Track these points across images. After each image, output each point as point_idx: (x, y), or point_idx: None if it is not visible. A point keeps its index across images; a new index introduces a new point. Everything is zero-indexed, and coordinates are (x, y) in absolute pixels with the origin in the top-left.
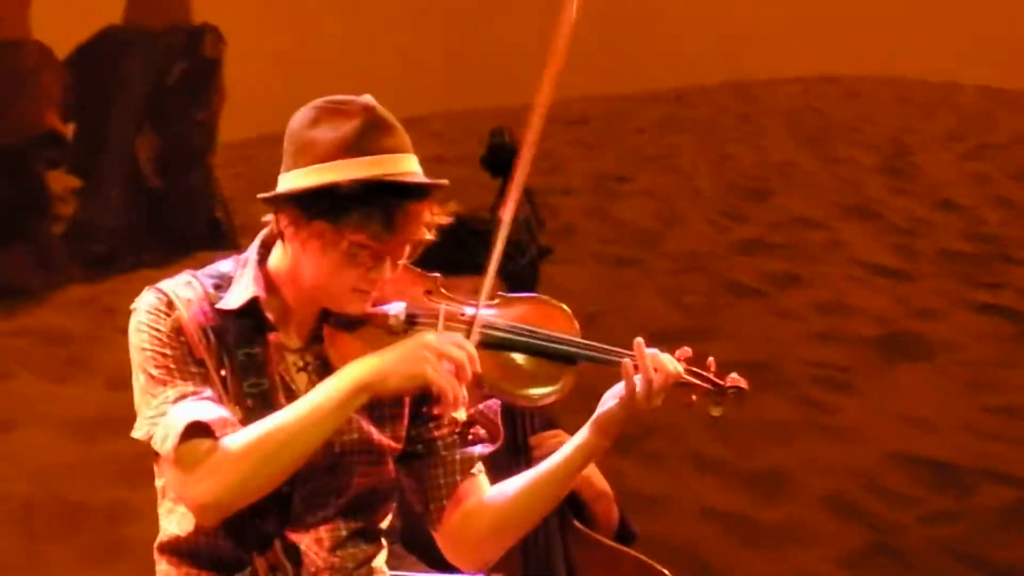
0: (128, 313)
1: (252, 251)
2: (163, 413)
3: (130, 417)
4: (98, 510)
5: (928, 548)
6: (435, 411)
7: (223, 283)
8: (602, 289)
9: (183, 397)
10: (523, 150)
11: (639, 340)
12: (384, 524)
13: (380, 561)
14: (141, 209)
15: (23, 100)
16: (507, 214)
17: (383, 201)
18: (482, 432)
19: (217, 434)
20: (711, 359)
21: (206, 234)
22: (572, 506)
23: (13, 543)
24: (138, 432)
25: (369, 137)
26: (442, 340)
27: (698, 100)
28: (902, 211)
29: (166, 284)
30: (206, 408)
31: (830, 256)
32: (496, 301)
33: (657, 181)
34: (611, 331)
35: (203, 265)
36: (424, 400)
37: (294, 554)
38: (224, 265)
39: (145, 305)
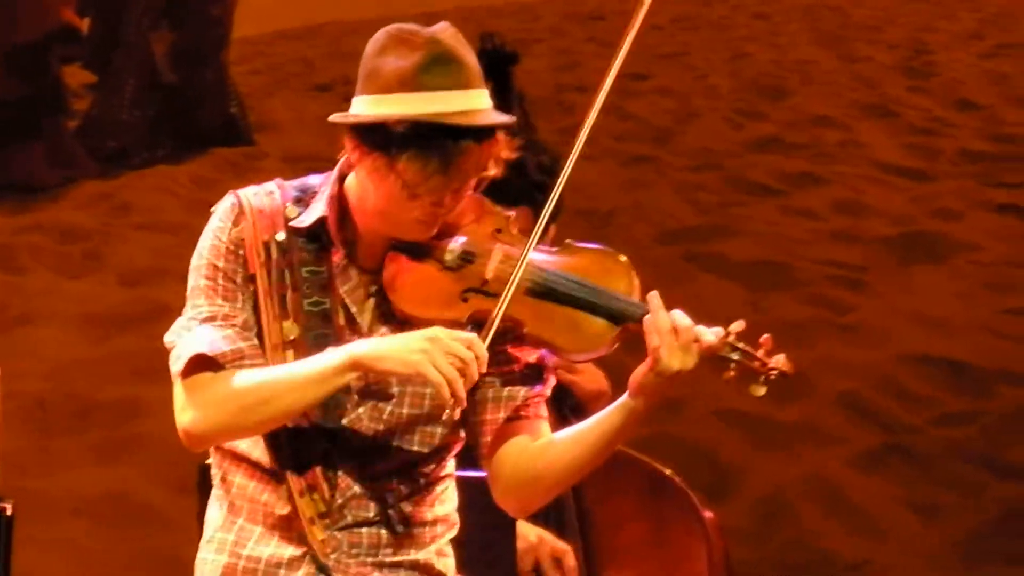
0: (144, 209)
1: (335, 169)
2: (189, 329)
3: (142, 314)
4: (110, 406)
5: (943, 449)
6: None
7: (306, 196)
8: (617, 186)
9: (213, 318)
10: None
11: (653, 293)
12: (439, 469)
13: (434, 510)
14: (156, 105)
15: None
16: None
17: (439, 142)
18: (545, 374)
19: (227, 367)
20: (766, 336)
21: (221, 130)
22: (571, 408)
23: (26, 438)
24: (168, 336)
25: (429, 72)
26: (454, 335)
27: None
28: (920, 110)
29: (245, 192)
30: (225, 338)
31: (847, 155)
32: (558, 248)
33: (673, 79)
34: (626, 229)
35: (216, 161)
36: (502, 337)
37: (332, 477)
38: (314, 178)
39: (220, 210)
